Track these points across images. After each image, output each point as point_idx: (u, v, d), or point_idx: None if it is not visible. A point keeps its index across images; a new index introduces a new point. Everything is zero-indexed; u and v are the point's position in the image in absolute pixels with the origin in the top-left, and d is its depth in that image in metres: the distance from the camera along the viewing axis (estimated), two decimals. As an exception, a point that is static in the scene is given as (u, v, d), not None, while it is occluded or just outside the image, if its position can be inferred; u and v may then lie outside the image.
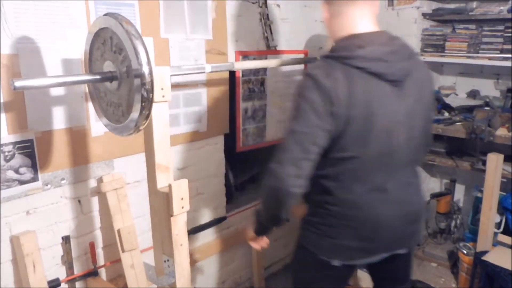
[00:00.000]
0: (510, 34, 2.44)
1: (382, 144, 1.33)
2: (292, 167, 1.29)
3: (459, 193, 3.13)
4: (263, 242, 1.72)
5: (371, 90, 1.27)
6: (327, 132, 1.28)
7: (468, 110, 2.76)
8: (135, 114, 1.19)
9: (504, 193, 2.55)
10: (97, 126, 1.81)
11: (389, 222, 1.42)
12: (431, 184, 3.26)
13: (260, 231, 1.63)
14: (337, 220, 1.43)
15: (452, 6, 2.71)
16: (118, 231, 1.85)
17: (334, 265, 1.48)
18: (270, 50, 2.59)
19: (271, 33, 2.58)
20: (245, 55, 2.41)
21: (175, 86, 2.07)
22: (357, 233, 1.43)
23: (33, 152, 1.64)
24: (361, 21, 1.34)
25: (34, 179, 1.67)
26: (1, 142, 1.55)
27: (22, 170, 1.63)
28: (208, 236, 2.47)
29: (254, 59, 2.46)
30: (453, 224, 3.06)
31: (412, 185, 1.48)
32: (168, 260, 1.38)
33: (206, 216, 2.44)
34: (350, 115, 1.26)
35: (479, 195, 2.70)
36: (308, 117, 1.26)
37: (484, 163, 2.45)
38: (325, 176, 1.39)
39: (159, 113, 1.27)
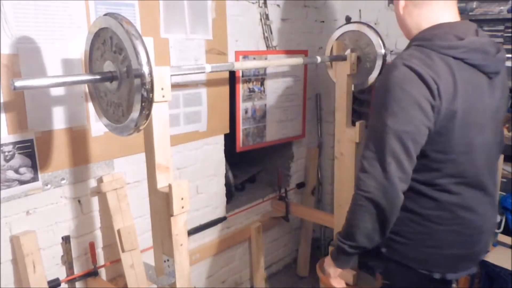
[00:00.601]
0: (510, 34, 2.44)
1: (480, 141, 1.25)
2: (397, 170, 1.16)
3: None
4: (348, 275, 1.53)
5: (470, 82, 1.20)
6: (427, 129, 1.17)
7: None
8: (135, 114, 1.19)
9: (504, 193, 2.55)
10: (97, 126, 1.81)
11: (488, 225, 1.35)
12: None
13: (345, 260, 1.35)
14: (438, 226, 1.28)
15: (452, 6, 2.71)
16: (118, 231, 1.85)
17: (435, 279, 1.33)
18: (270, 50, 2.59)
19: (271, 33, 2.58)
20: (245, 55, 2.41)
21: (175, 86, 2.07)
22: (461, 239, 1.31)
23: (33, 152, 1.64)
24: (446, 10, 1.27)
25: (34, 179, 1.67)
26: (1, 142, 1.55)
27: (22, 170, 1.63)
28: (208, 236, 2.47)
29: (254, 59, 2.46)
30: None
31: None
32: (168, 260, 1.38)
33: (206, 216, 2.44)
34: (452, 110, 1.17)
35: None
36: (410, 113, 1.14)
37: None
38: (418, 177, 1.24)
39: (159, 113, 1.27)
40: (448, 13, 1.28)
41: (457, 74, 1.18)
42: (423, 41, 1.24)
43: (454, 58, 1.19)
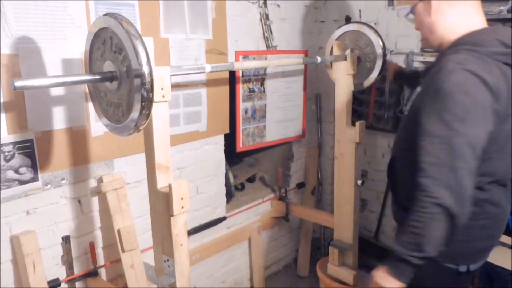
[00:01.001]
0: (510, 34, 2.44)
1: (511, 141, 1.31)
2: (469, 176, 1.15)
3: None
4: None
5: None
6: (489, 133, 1.19)
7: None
8: (135, 114, 1.19)
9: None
10: (97, 126, 1.81)
11: (506, 219, 1.40)
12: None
13: (410, 274, 1.26)
14: (468, 221, 1.25)
15: (452, 6, 2.71)
16: (118, 231, 1.85)
17: (460, 272, 1.36)
18: (270, 50, 2.59)
19: (271, 33, 2.58)
20: (245, 55, 2.41)
21: (175, 86, 2.07)
22: (487, 232, 1.36)
23: (33, 152, 1.64)
24: (478, 14, 1.32)
25: (34, 179, 1.67)
26: (1, 142, 1.55)
27: (22, 170, 1.63)
28: (208, 236, 2.47)
29: (254, 59, 2.46)
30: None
31: None
32: (168, 260, 1.38)
33: (206, 216, 2.44)
34: (506, 114, 1.22)
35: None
36: (477, 118, 1.15)
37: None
38: None
39: (159, 113, 1.27)
40: (481, 17, 1.32)
41: (508, 79, 1.22)
42: (473, 45, 1.24)
43: (505, 64, 1.22)
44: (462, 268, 1.37)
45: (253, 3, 2.45)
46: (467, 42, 1.27)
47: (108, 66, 1.27)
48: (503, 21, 2.46)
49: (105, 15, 1.22)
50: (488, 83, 1.16)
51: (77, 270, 1.87)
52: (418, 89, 2.22)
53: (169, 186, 1.27)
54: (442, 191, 1.15)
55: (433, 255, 1.22)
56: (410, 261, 1.22)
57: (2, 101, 1.55)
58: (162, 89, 1.25)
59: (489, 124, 1.18)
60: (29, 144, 1.63)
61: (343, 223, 2.36)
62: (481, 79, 1.16)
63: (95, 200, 1.90)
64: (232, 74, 2.39)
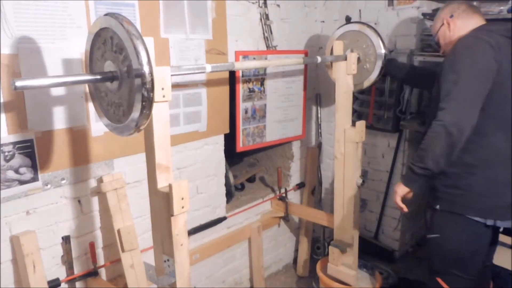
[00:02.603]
0: (510, 34, 2.45)
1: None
2: (471, 112, 1.64)
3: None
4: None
5: None
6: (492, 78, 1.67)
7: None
8: (135, 114, 1.19)
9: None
10: (97, 126, 1.81)
11: None
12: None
13: (412, 180, 1.75)
14: (495, 176, 1.69)
15: (452, 6, 2.71)
16: (118, 231, 1.85)
17: (487, 225, 1.69)
18: (270, 50, 2.59)
19: (271, 33, 2.58)
20: (245, 55, 2.41)
21: (175, 86, 2.07)
22: (504, 188, 1.68)
23: (33, 152, 1.64)
24: (482, 20, 1.83)
25: (34, 179, 1.66)
26: (1, 142, 1.55)
27: (22, 170, 1.63)
28: (208, 236, 2.47)
29: (254, 59, 2.46)
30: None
31: None
32: (168, 260, 1.38)
33: (206, 216, 2.44)
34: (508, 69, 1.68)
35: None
36: (482, 69, 1.64)
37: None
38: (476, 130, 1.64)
39: (160, 113, 1.27)
40: (484, 20, 1.83)
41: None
42: (483, 27, 1.76)
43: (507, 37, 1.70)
44: (489, 222, 1.68)
45: (253, 3, 2.45)
46: (480, 28, 1.75)
47: (108, 66, 1.27)
48: (503, 21, 2.46)
49: (105, 15, 1.22)
50: (489, 41, 1.63)
51: (77, 270, 1.87)
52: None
53: (169, 186, 1.27)
54: (447, 116, 1.59)
55: (431, 168, 1.65)
56: (413, 170, 1.70)
57: (2, 101, 1.55)
58: (162, 89, 1.25)
59: (491, 68, 1.61)
60: (29, 144, 1.63)
61: (343, 223, 2.36)
62: (482, 39, 1.65)
63: (95, 200, 1.90)
64: (232, 74, 2.39)
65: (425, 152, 1.65)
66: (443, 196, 1.77)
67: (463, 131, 1.58)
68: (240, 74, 2.44)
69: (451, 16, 1.84)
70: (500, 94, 1.65)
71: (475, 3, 2.58)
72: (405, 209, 1.82)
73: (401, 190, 1.79)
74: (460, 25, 1.82)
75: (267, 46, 2.57)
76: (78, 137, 1.78)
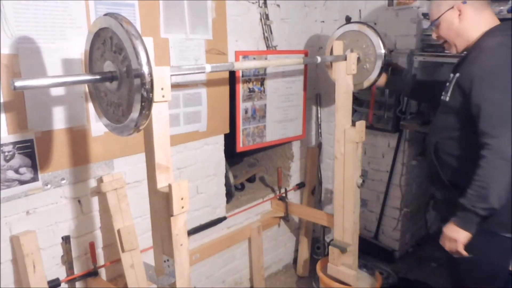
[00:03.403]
0: (510, 34, 2.44)
1: None
2: None
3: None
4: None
5: None
6: None
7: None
8: (135, 114, 1.19)
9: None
10: (97, 126, 1.81)
11: None
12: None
13: (475, 224, 1.52)
14: None
15: (452, 6, 2.71)
16: (118, 231, 1.85)
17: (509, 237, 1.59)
18: (270, 50, 2.59)
19: (271, 33, 2.58)
20: (245, 55, 2.41)
21: (175, 86, 2.07)
22: None
23: (33, 152, 1.64)
24: (494, 16, 1.63)
25: (34, 179, 1.67)
26: (1, 142, 1.55)
27: (22, 170, 1.63)
28: (208, 236, 2.47)
29: (254, 59, 2.46)
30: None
31: None
32: (168, 260, 1.38)
33: (206, 216, 2.44)
34: None
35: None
36: None
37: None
38: None
39: (159, 113, 1.27)
40: (495, 17, 1.64)
41: None
42: (505, 31, 1.55)
43: None
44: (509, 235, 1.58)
45: (253, 3, 2.45)
46: (498, 29, 1.57)
47: (108, 66, 1.27)
48: (503, 21, 2.46)
49: (105, 15, 1.22)
50: None
51: (77, 270, 1.87)
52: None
53: (169, 186, 1.27)
54: (505, 146, 1.41)
55: (496, 206, 1.45)
56: (476, 212, 1.48)
57: (2, 101, 1.55)
58: (162, 89, 1.25)
59: None
60: (29, 144, 1.63)
61: (343, 223, 2.36)
62: None
63: (95, 200, 1.90)
64: (232, 74, 2.39)
65: (486, 190, 1.45)
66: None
67: None
68: (240, 74, 2.44)
69: (465, 2, 1.59)
70: None
71: (475, 3, 2.58)
72: (468, 254, 1.59)
73: (463, 237, 1.54)
74: (473, 17, 1.60)
75: (267, 46, 2.57)
76: (78, 137, 1.78)
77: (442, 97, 1.70)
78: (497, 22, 1.62)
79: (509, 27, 1.56)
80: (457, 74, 1.60)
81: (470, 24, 1.60)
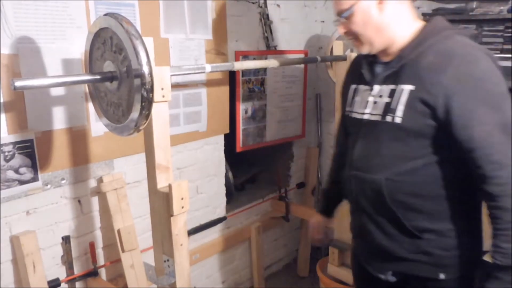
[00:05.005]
0: (510, 34, 2.44)
1: None
2: None
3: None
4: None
5: None
6: None
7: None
8: (135, 114, 1.19)
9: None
10: (97, 126, 1.81)
11: None
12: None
13: None
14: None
15: (452, 6, 2.71)
16: (118, 231, 1.85)
17: None
18: (270, 50, 2.59)
19: (271, 33, 2.58)
20: (245, 55, 2.41)
21: (175, 86, 2.07)
22: None
23: (33, 152, 1.64)
24: (415, 12, 1.29)
25: (34, 179, 1.66)
26: (1, 142, 1.55)
27: (22, 170, 1.63)
28: (208, 236, 2.47)
29: (254, 59, 2.46)
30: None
31: None
32: (168, 260, 1.38)
33: (206, 216, 2.44)
34: None
35: (479, 195, 2.70)
36: (509, 96, 1.14)
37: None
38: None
39: (159, 113, 1.27)
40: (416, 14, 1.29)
41: None
42: (452, 29, 1.23)
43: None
44: None
45: (253, 3, 2.45)
46: (446, 27, 1.22)
47: (108, 66, 1.27)
48: (503, 21, 2.46)
49: (105, 15, 1.22)
50: (496, 60, 1.17)
51: (77, 270, 1.87)
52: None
53: (169, 186, 1.27)
54: None
55: None
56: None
57: (2, 101, 1.55)
58: (162, 89, 1.25)
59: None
60: (29, 144, 1.63)
61: (343, 223, 2.36)
62: (491, 58, 1.17)
63: (95, 200, 1.90)
64: (232, 74, 2.39)
65: None
66: (448, 262, 1.25)
67: None
68: (240, 74, 2.44)
69: None
70: None
71: (474, 4, 2.59)
72: None
73: None
74: (396, 11, 1.22)
75: (267, 46, 2.57)
76: (78, 137, 1.78)
77: (378, 118, 1.26)
78: (419, 17, 1.29)
79: (447, 24, 1.26)
80: (409, 87, 1.19)
81: (393, 16, 1.22)
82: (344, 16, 1.24)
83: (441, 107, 1.13)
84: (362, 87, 1.34)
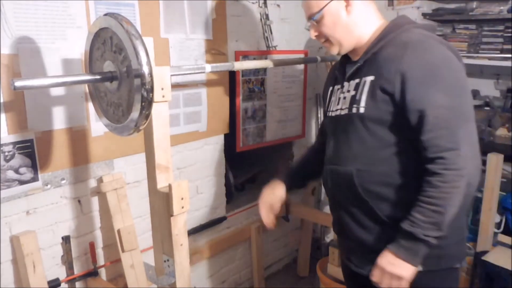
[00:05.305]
0: (510, 34, 2.44)
1: None
2: (478, 147, 1.18)
3: (459, 193, 3.13)
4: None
5: None
6: None
7: (468, 110, 2.76)
8: (135, 114, 1.19)
9: (504, 193, 2.55)
10: (97, 126, 1.81)
11: None
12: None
13: (422, 255, 1.19)
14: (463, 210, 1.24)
15: (452, 6, 2.71)
16: (118, 231, 1.85)
17: (459, 268, 1.34)
18: (270, 50, 2.59)
19: (271, 33, 2.58)
20: (245, 55, 2.41)
21: (175, 86, 2.07)
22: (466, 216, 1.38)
23: (33, 152, 1.64)
24: (378, 13, 1.36)
25: (34, 179, 1.66)
26: (1, 142, 1.55)
27: (22, 170, 1.63)
28: (208, 236, 2.47)
29: (254, 59, 2.46)
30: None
31: None
32: (168, 260, 1.38)
33: (206, 216, 2.44)
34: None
35: (479, 195, 2.70)
36: (467, 83, 1.21)
37: (484, 163, 2.45)
38: None
39: (159, 113, 1.27)
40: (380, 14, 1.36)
41: None
42: (412, 24, 1.29)
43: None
44: (464, 264, 1.34)
45: (253, 3, 2.45)
46: (405, 22, 1.29)
47: (108, 66, 1.27)
48: (503, 21, 2.46)
49: (105, 15, 1.22)
50: (454, 50, 1.23)
51: (77, 270, 1.87)
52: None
53: (169, 186, 1.27)
54: (464, 161, 1.12)
55: (444, 234, 1.16)
56: (428, 242, 1.15)
57: (2, 101, 1.55)
58: (162, 89, 1.25)
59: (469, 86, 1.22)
60: (29, 144, 1.63)
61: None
62: (448, 47, 1.21)
63: (95, 200, 1.90)
64: (232, 74, 2.39)
65: (443, 216, 1.13)
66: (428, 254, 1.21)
67: (479, 176, 1.16)
68: (240, 74, 2.44)
69: None
70: None
71: (474, 4, 2.59)
72: None
73: (411, 273, 1.19)
74: (362, 11, 1.30)
75: (267, 46, 2.58)
76: (78, 137, 1.78)
77: (345, 112, 1.32)
78: (383, 18, 1.34)
79: (408, 19, 1.31)
80: (370, 77, 1.25)
81: (360, 17, 1.30)
82: (314, 19, 1.31)
83: (397, 92, 1.18)
84: (336, 87, 1.41)
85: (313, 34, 1.37)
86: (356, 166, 1.29)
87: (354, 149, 1.30)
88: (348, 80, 1.33)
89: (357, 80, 1.30)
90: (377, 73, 1.23)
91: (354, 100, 1.28)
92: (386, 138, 1.24)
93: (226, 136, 2.46)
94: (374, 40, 1.29)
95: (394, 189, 1.25)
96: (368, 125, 1.26)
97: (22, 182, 1.63)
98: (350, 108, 1.30)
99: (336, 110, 1.36)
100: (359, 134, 1.28)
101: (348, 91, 1.32)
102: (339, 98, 1.36)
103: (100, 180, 1.87)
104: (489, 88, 2.84)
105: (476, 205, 2.81)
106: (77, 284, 1.88)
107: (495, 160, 2.35)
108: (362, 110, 1.26)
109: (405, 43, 1.20)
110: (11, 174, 1.60)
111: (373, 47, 1.27)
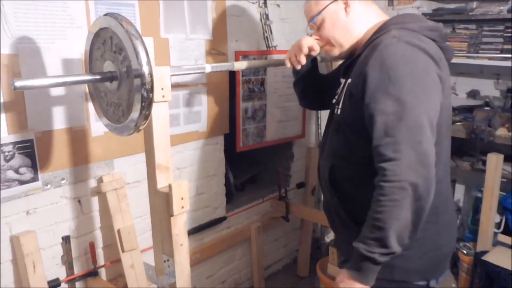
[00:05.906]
0: (510, 34, 2.44)
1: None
2: (432, 156, 1.06)
3: (459, 193, 3.13)
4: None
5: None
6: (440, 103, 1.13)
7: (468, 110, 2.75)
8: (135, 114, 1.19)
9: (504, 193, 2.55)
10: (97, 126, 1.81)
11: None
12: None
13: (374, 273, 1.12)
14: (437, 224, 1.22)
15: (452, 6, 2.71)
16: (118, 231, 1.85)
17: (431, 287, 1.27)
18: (270, 50, 2.59)
19: (271, 33, 2.58)
20: (245, 55, 2.41)
21: (175, 86, 2.07)
22: (451, 232, 1.31)
23: (33, 152, 1.64)
24: (381, 12, 1.34)
25: (34, 179, 1.67)
26: (1, 142, 1.55)
27: (22, 170, 1.63)
28: (208, 236, 2.47)
29: (254, 59, 2.46)
30: (453, 224, 3.04)
31: None
32: (168, 260, 1.38)
33: (206, 216, 2.44)
34: (449, 85, 1.21)
35: (479, 195, 2.70)
36: (428, 87, 1.09)
37: (484, 163, 2.44)
38: None
39: (159, 113, 1.27)
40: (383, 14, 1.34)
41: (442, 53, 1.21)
42: (400, 24, 1.21)
43: (433, 40, 1.20)
44: (433, 283, 1.26)
45: (253, 3, 2.45)
46: (393, 23, 1.23)
47: (108, 66, 1.27)
48: (503, 21, 2.46)
49: (105, 15, 1.22)
50: (428, 51, 1.12)
51: (77, 270, 1.87)
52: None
53: (169, 186, 1.27)
54: (406, 172, 1.02)
55: (396, 250, 1.07)
56: (374, 259, 1.08)
57: (2, 101, 1.55)
58: (162, 89, 1.25)
59: (439, 91, 1.12)
60: (29, 144, 1.63)
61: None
62: (420, 48, 1.12)
63: (95, 200, 1.90)
64: (232, 74, 2.39)
65: (384, 232, 1.04)
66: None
67: (430, 188, 1.05)
68: (240, 74, 2.44)
69: None
70: (440, 127, 1.15)
71: (474, 4, 2.59)
72: None
73: None
74: (361, 12, 1.30)
75: (267, 46, 2.58)
76: (78, 137, 1.78)
77: (333, 109, 1.35)
78: (386, 17, 1.31)
79: (402, 19, 1.25)
80: (349, 80, 1.24)
81: (359, 17, 1.29)
82: (314, 21, 1.34)
83: (360, 97, 1.15)
84: (338, 82, 1.41)
85: (314, 37, 1.40)
86: (331, 162, 1.32)
87: (331, 146, 1.34)
88: (343, 78, 1.35)
89: (343, 80, 1.32)
90: (352, 76, 1.22)
91: (337, 101, 1.31)
92: (355, 142, 1.22)
93: (226, 136, 2.46)
94: (366, 42, 1.27)
95: (354, 188, 1.26)
96: (342, 128, 1.26)
97: (22, 182, 1.63)
98: (333, 108, 1.34)
99: (333, 103, 1.38)
100: (337, 134, 1.30)
101: (338, 90, 1.36)
102: (336, 94, 1.39)
103: (100, 180, 1.87)
104: (489, 88, 2.85)
105: (476, 205, 2.81)
106: (77, 284, 1.88)
107: (495, 160, 2.35)
108: (338, 112, 1.28)
109: (375, 46, 1.16)
110: (11, 174, 1.60)
111: (364, 48, 1.25)
